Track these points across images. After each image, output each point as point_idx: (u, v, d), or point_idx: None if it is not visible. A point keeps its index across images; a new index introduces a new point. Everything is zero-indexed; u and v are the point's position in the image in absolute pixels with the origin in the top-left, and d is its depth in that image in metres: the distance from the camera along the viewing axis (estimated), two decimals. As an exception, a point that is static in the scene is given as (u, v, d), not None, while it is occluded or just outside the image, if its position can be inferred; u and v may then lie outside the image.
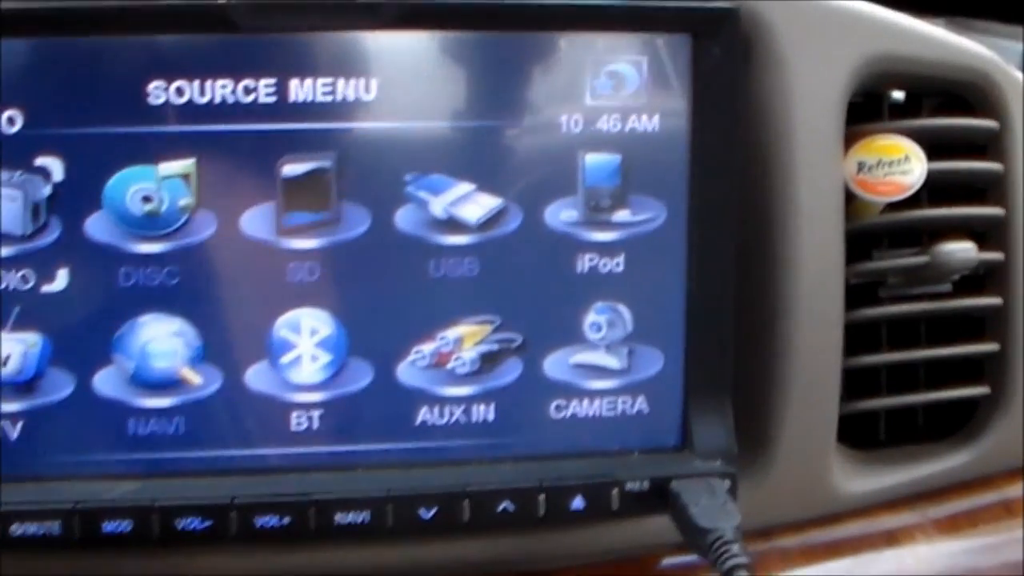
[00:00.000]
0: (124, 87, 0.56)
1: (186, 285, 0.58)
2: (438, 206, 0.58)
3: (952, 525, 0.69)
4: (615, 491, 0.59)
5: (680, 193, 0.60)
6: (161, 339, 0.58)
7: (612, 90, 0.59)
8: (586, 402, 0.61)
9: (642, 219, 0.60)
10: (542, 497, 0.58)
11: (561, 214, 0.59)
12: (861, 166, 0.64)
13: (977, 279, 0.69)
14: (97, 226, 0.57)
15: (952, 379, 0.69)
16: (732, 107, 0.59)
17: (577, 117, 0.59)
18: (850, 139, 0.64)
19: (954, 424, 0.70)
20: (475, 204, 0.58)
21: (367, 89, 0.57)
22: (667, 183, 0.60)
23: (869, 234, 0.67)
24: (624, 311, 0.60)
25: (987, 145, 0.68)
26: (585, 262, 0.60)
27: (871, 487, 0.67)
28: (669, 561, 0.65)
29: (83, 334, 0.58)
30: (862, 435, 0.68)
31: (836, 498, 0.66)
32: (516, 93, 0.58)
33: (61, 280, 0.57)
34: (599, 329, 0.60)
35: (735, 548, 0.55)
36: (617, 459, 0.61)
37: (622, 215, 0.60)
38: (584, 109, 0.59)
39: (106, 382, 0.58)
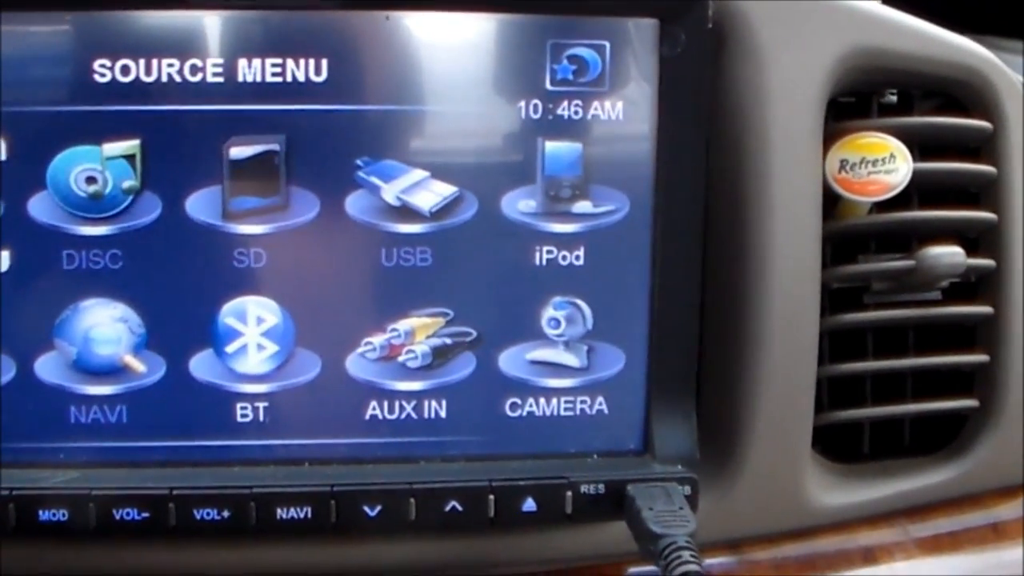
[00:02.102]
0: (69, 65, 0.55)
1: (130, 269, 0.56)
2: (390, 193, 0.56)
3: (935, 544, 0.66)
4: (568, 493, 0.57)
5: (645, 185, 0.58)
6: (104, 325, 0.56)
7: (573, 75, 0.57)
8: (543, 401, 0.58)
9: (604, 211, 0.58)
10: (492, 497, 0.56)
11: (519, 204, 0.57)
12: (843, 164, 0.62)
13: (969, 287, 0.66)
14: (40, 207, 0.56)
15: (940, 391, 0.65)
16: (700, 97, 0.57)
17: (536, 102, 0.57)
18: (834, 137, 0.62)
19: (941, 438, 0.67)
20: (429, 191, 0.56)
21: (317, 71, 0.55)
22: (631, 174, 0.58)
23: (855, 236, 0.64)
24: (584, 307, 0.58)
25: (981, 147, 0.65)
26: (543, 254, 0.57)
27: (849, 500, 0.64)
28: (633, 571, 0.62)
29: (25, 318, 0.56)
30: (845, 447, 0.65)
31: (810, 511, 0.63)
32: (472, 76, 0.56)
33: (3, 262, 0.56)
34: (557, 325, 0.58)
35: (686, 555, 0.53)
36: (573, 461, 0.59)
37: (583, 206, 0.57)
38: (544, 94, 0.57)
39: (48, 368, 0.57)
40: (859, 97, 0.65)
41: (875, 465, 0.66)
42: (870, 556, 0.64)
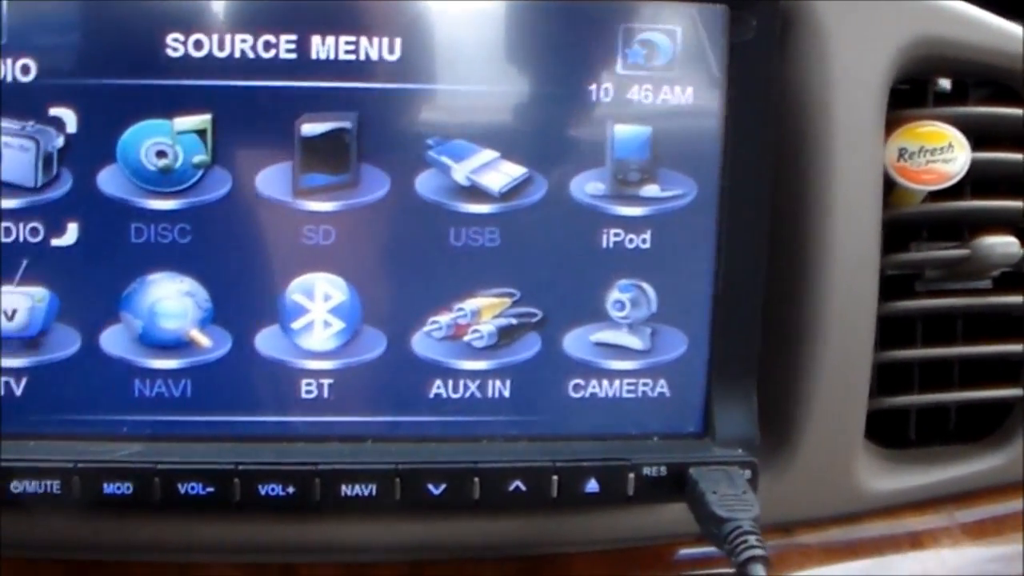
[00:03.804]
0: (142, 39, 0.54)
1: (198, 244, 0.56)
2: (460, 173, 0.56)
3: (980, 530, 0.66)
4: (631, 475, 0.57)
5: (712, 170, 0.58)
6: (170, 299, 0.56)
7: (644, 59, 0.57)
8: (605, 383, 0.59)
9: (671, 195, 0.58)
10: (555, 478, 0.56)
11: (587, 186, 0.57)
12: (902, 153, 0.62)
13: (1019, 276, 0.66)
14: (109, 180, 0.55)
15: (987, 379, 0.66)
16: (768, 83, 0.57)
17: (608, 86, 0.57)
18: (892, 125, 0.62)
19: (987, 426, 0.67)
20: (498, 172, 0.57)
21: (391, 49, 0.55)
22: (699, 159, 0.58)
23: (908, 224, 0.64)
24: (649, 290, 0.58)
25: None
26: (610, 237, 0.58)
27: (897, 486, 0.65)
28: (685, 552, 0.62)
29: (91, 290, 0.56)
30: (891, 433, 0.66)
31: (860, 496, 0.63)
32: (545, 59, 0.56)
33: (71, 234, 0.56)
34: (622, 307, 0.58)
35: (752, 539, 0.53)
36: (635, 443, 0.59)
37: (650, 190, 0.57)
38: (615, 78, 0.57)
39: (113, 341, 0.56)
40: (912, 84, 0.65)
41: (922, 452, 0.66)
42: (916, 541, 0.65)
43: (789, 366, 0.60)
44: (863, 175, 0.60)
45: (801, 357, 0.60)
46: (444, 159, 0.56)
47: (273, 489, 0.55)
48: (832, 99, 0.59)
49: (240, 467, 0.55)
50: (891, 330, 0.64)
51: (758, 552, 0.53)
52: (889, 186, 0.62)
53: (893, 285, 0.64)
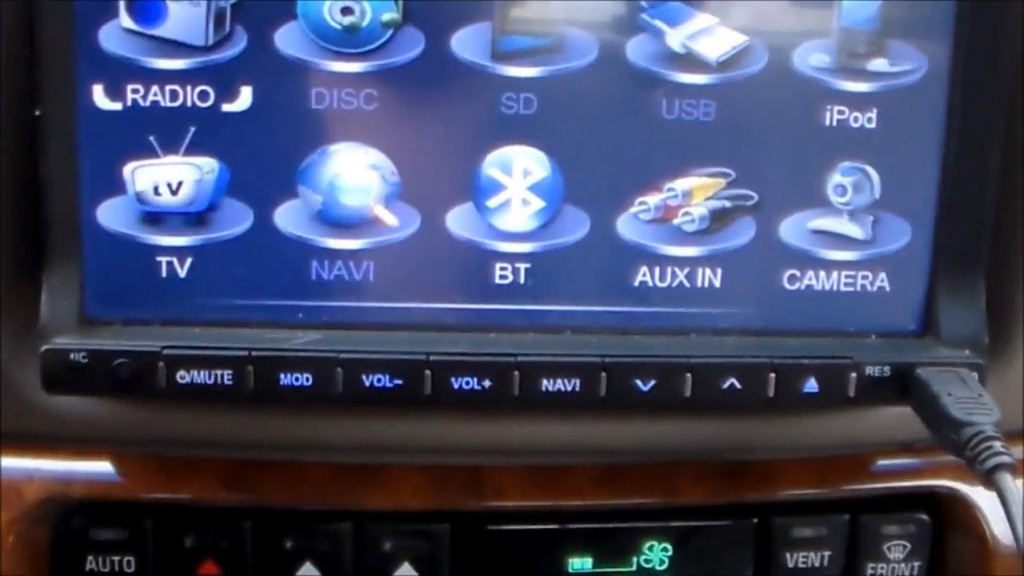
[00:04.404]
0: None
1: (385, 111, 0.51)
2: (675, 38, 0.51)
3: None
4: (853, 375, 0.52)
5: (944, 43, 0.53)
6: (354, 172, 0.51)
7: (880, -83, 0.51)
8: (822, 274, 0.54)
9: (900, 70, 0.53)
10: (772, 376, 0.52)
11: (811, 58, 0.52)
12: None
13: None
14: (288, 39, 0.50)
15: None
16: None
17: (838, -52, 0.51)
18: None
19: None
20: (717, 39, 0.51)
21: (602, -102, 0.50)
22: (931, 31, 0.53)
23: None
24: (872, 173, 0.53)
25: None
26: (834, 114, 0.53)
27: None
28: (883, 463, 0.57)
29: (266, 162, 0.51)
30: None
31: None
32: (772, -83, 0.51)
33: (244, 99, 0.50)
34: (843, 192, 0.53)
35: (997, 445, 0.49)
36: (852, 341, 0.54)
37: (878, 64, 0.52)
38: (846, -61, 0.51)
39: (288, 218, 0.51)
40: None
41: None
42: None
43: (1020, 261, 0.55)
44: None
45: (1029, 250, 0.55)
46: (658, 23, 0.51)
47: (467, 382, 0.51)
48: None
49: (431, 358, 0.50)
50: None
51: (1006, 459, 0.48)
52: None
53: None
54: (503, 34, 0.51)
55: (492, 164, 0.52)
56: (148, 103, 0.50)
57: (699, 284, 0.53)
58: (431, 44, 0.50)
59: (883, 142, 0.53)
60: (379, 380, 0.50)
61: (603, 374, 0.51)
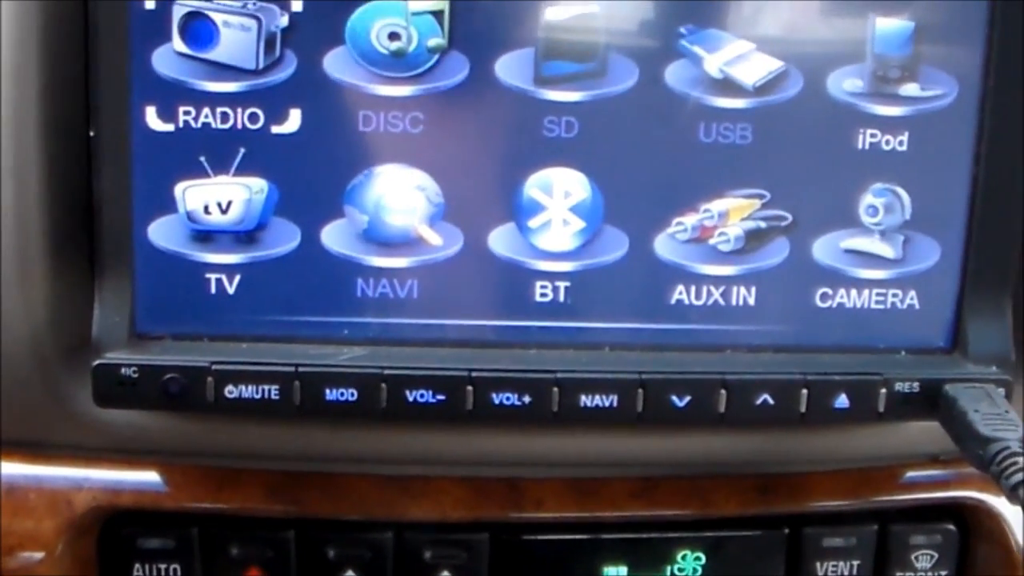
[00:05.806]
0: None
1: (431, 134, 0.52)
2: (713, 64, 0.52)
3: None
4: (883, 391, 0.53)
5: (975, 69, 0.54)
6: (399, 192, 0.53)
7: (912, -52, 0.52)
8: (854, 292, 0.55)
9: (932, 95, 0.54)
10: (805, 392, 0.53)
11: (845, 83, 0.53)
12: None
13: None
14: (337, 63, 0.51)
15: None
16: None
17: (871, -23, 0.52)
18: None
19: None
20: (753, 64, 0.53)
21: (643, -72, 0.51)
22: (962, 57, 0.54)
23: None
24: (903, 195, 0.55)
25: None
26: (866, 138, 0.54)
27: None
28: (912, 475, 0.59)
29: (313, 182, 0.52)
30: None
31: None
32: (808, -55, 0.52)
33: (293, 121, 0.52)
34: (875, 213, 0.54)
35: (1022, 461, 0.50)
36: (882, 357, 0.56)
37: (910, 88, 0.54)
38: (879, -32, 0.52)
39: (335, 236, 0.53)
40: None
41: None
42: None
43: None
44: None
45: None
46: (696, 49, 0.52)
47: (508, 398, 0.52)
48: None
49: (474, 374, 0.52)
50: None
51: (1029, 475, 0.49)
52: None
53: None
54: (545, 59, 0.52)
55: (534, 185, 0.53)
56: (199, 125, 0.51)
57: (734, 302, 0.54)
58: (476, 69, 0.52)
59: (914, 164, 0.54)
60: (422, 396, 0.52)
61: (640, 390, 0.52)
